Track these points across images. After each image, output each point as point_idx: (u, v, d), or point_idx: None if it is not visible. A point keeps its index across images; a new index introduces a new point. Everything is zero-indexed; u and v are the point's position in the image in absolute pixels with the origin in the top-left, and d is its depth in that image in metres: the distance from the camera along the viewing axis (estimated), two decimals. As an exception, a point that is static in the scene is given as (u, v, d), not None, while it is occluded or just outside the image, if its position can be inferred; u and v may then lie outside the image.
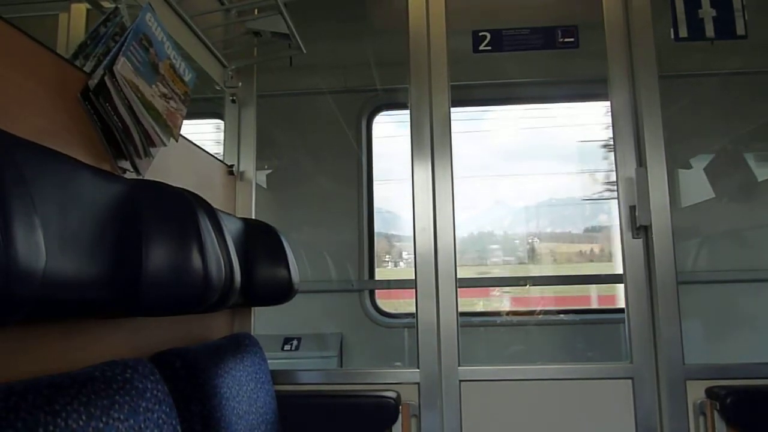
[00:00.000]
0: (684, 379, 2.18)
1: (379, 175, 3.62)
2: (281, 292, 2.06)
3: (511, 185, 3.86)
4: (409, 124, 2.45)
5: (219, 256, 1.36)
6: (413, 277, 2.37)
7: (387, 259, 3.95)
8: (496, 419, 2.25)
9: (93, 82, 1.33)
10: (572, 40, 2.53)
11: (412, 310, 2.37)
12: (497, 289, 3.75)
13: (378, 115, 3.66)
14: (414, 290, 2.36)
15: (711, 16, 2.36)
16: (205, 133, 2.75)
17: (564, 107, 3.79)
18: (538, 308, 3.66)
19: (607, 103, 2.40)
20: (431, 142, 2.41)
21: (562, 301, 3.71)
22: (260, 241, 2.05)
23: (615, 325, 3.33)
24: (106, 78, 1.34)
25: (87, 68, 1.38)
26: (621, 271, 2.32)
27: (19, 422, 0.86)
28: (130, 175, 1.50)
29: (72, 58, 1.37)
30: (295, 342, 3.38)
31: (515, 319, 3.55)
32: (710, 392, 2.15)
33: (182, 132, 1.68)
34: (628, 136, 2.34)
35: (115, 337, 1.43)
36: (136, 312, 1.24)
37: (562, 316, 3.58)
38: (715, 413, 2.10)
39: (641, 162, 2.32)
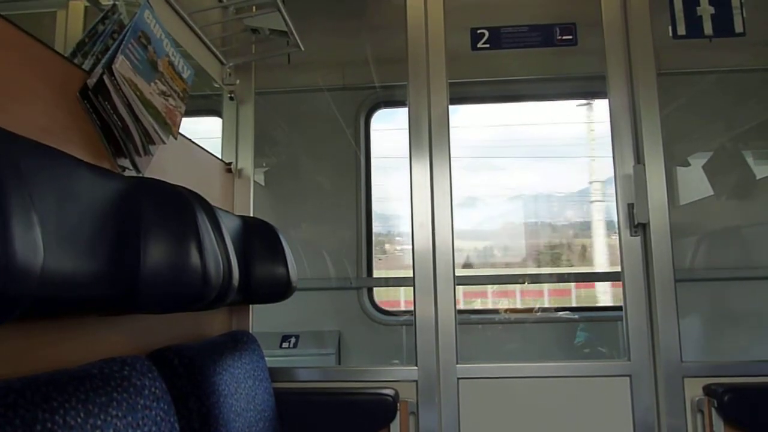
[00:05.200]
0: (682, 377, 2.18)
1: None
2: (279, 290, 2.06)
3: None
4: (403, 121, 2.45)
5: (217, 253, 1.36)
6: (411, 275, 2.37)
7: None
8: (494, 417, 2.25)
9: (92, 81, 1.33)
10: (570, 37, 2.53)
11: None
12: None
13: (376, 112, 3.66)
14: (412, 288, 2.36)
15: (709, 14, 2.36)
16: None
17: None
18: (536, 306, 3.66)
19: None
20: (429, 139, 2.41)
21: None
22: (258, 238, 2.05)
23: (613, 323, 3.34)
24: (105, 77, 1.34)
25: (85, 66, 1.38)
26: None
27: (17, 419, 0.86)
28: (129, 173, 1.50)
29: (70, 56, 1.37)
30: (293, 339, 3.38)
31: (513, 316, 3.55)
32: (708, 390, 2.15)
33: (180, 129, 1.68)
34: (627, 134, 2.35)
35: (113, 335, 1.44)
36: (134, 309, 1.24)
37: (559, 313, 3.59)
38: (713, 410, 2.11)
39: (639, 159, 2.32)
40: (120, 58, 1.37)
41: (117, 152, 1.45)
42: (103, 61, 1.36)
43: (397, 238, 3.77)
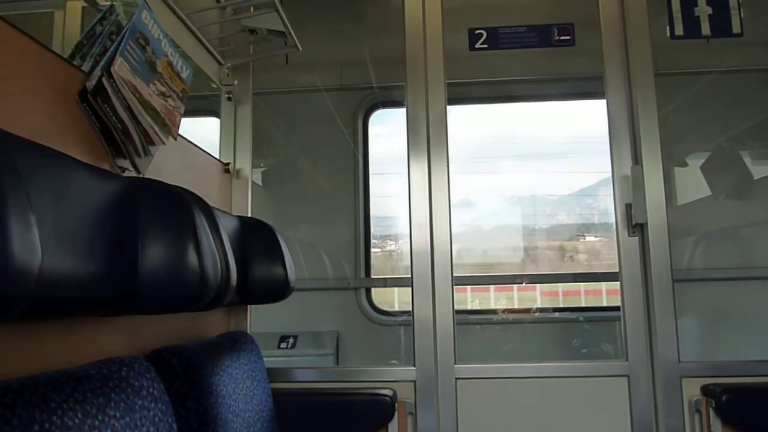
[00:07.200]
0: (679, 377, 2.18)
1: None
2: (277, 290, 2.06)
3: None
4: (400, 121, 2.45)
5: (215, 254, 1.36)
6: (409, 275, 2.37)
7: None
8: (492, 417, 2.25)
9: (91, 84, 1.33)
10: (568, 37, 2.53)
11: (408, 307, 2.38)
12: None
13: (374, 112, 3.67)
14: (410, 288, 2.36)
15: (707, 14, 2.37)
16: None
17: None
18: (534, 306, 3.67)
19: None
20: (428, 140, 2.41)
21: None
22: (256, 239, 2.05)
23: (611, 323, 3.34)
24: (103, 79, 1.34)
25: (84, 68, 1.37)
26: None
27: (15, 420, 0.86)
28: (129, 173, 1.50)
29: (69, 59, 1.37)
30: (291, 340, 3.38)
31: (511, 316, 3.56)
32: (706, 390, 2.15)
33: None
34: (624, 134, 2.35)
35: (112, 335, 1.43)
36: (133, 310, 1.24)
37: (557, 314, 3.59)
38: (711, 411, 2.11)
39: (637, 160, 2.32)
40: (119, 60, 1.37)
41: (117, 153, 1.45)
42: (102, 63, 1.35)
43: (374, 241, 3.76)
